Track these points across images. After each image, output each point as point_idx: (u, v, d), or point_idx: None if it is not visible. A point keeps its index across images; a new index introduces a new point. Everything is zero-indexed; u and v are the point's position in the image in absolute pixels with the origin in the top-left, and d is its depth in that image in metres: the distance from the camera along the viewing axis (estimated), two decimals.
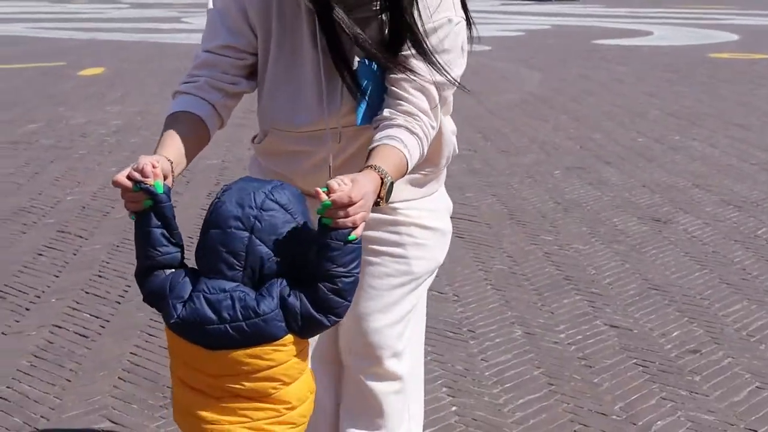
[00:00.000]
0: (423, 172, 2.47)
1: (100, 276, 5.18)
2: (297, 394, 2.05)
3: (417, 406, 2.71)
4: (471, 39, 2.34)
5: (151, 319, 4.54)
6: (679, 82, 14.15)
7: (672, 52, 19.50)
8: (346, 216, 1.94)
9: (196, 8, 37.68)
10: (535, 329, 4.47)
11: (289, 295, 1.97)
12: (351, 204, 1.94)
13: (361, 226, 1.98)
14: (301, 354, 2.05)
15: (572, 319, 4.59)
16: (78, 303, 4.79)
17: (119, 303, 4.78)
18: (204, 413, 2.01)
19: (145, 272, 2.05)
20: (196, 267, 2.05)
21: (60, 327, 4.50)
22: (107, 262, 5.39)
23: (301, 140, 2.35)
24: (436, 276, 2.71)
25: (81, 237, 5.88)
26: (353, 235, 1.96)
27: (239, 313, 1.95)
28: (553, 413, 3.68)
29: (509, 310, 4.68)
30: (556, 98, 12.26)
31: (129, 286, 4.99)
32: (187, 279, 2.01)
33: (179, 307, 1.98)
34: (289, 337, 1.99)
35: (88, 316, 4.63)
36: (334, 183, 1.95)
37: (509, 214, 6.40)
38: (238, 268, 1.97)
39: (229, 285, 1.97)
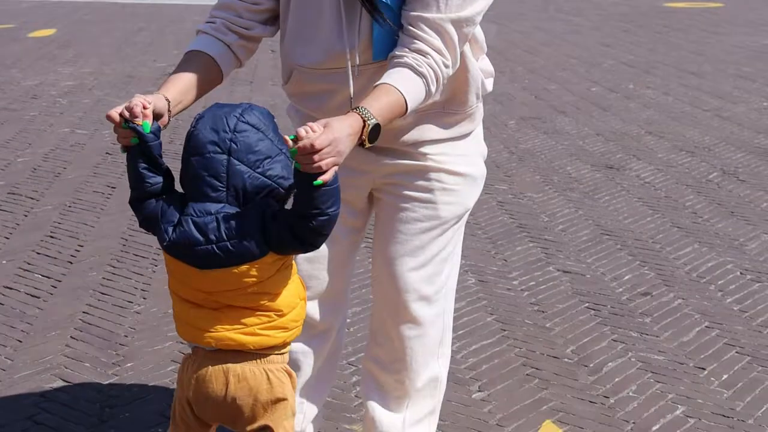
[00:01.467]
0: (451, 111, 2.46)
1: (51, 237, 5.13)
2: (286, 301, 2.18)
3: (445, 348, 2.74)
4: None
5: (103, 278, 4.52)
6: (634, 32, 14.17)
7: (627, 2, 19.51)
8: (311, 162, 1.98)
9: None
10: (488, 277, 4.49)
11: (270, 218, 2.08)
12: (316, 151, 1.97)
13: (332, 170, 2.01)
14: (285, 268, 2.18)
15: (525, 266, 4.62)
16: (29, 264, 4.75)
17: (71, 263, 4.75)
18: (202, 323, 2.17)
19: (137, 201, 2.18)
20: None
21: (11, 288, 4.46)
22: (59, 223, 5.34)
23: (325, 78, 2.38)
24: None
25: (32, 198, 5.82)
26: (319, 180, 2.01)
27: (224, 234, 2.07)
28: (506, 358, 3.71)
29: (463, 259, 4.64)
30: (511, 50, 12.25)
31: (81, 246, 4.95)
32: (176, 204, 2.15)
33: (170, 230, 2.12)
34: (270, 255, 2.11)
35: (40, 276, 4.59)
36: (301, 130, 1.99)
37: None
38: (221, 189, 2.08)
39: (214, 207, 2.09)
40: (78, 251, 4.90)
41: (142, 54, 12.24)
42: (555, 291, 4.31)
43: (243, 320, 2.15)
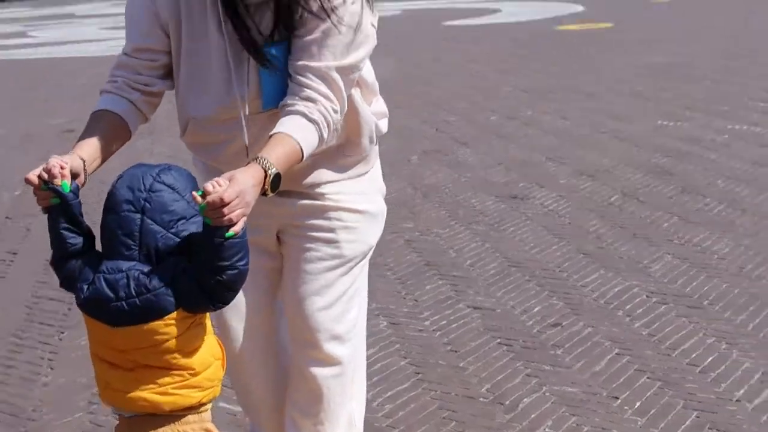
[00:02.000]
0: (346, 154, 2.56)
1: None
2: (199, 360, 2.19)
3: (359, 387, 2.81)
4: (374, 22, 2.44)
5: (8, 350, 4.42)
6: (529, 57, 14.39)
7: (520, 27, 19.82)
8: (221, 215, 2.04)
9: (41, 21, 36.74)
10: (399, 319, 4.49)
11: (181, 273, 2.11)
12: (225, 205, 2.04)
13: (241, 222, 2.08)
14: (196, 326, 2.19)
15: (436, 305, 4.63)
16: None
17: None
18: (119, 383, 2.18)
19: (58, 261, 2.22)
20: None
21: None
22: None
23: (218, 128, 2.45)
24: None
25: None
26: (231, 232, 2.07)
27: (133, 290, 2.10)
28: (422, 402, 3.71)
29: (373, 302, 4.65)
30: (410, 83, 12.33)
31: None
32: (93, 263, 2.18)
33: (85, 288, 2.15)
34: (180, 312, 2.13)
35: None
36: (209, 185, 2.05)
37: None
38: (134, 248, 2.12)
39: (126, 264, 2.12)
40: None
41: (39, 112, 12.05)
42: (467, 329, 4.33)
43: (157, 380, 2.16)
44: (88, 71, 16.51)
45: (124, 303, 2.10)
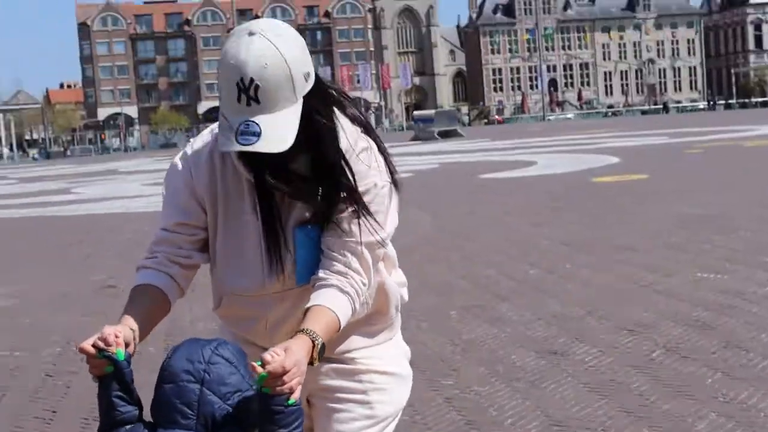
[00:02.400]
0: (373, 323, 2.67)
1: None
2: None
3: None
4: (397, 200, 2.57)
5: None
6: (565, 210, 14.50)
7: (556, 179, 20.03)
8: (282, 384, 2.14)
9: (85, 178, 37.51)
10: None
11: None
12: (285, 373, 2.14)
13: (298, 389, 2.17)
14: None
15: None
16: None
17: None
18: None
19: (107, 429, 2.24)
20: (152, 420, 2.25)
21: None
22: None
23: (253, 303, 2.56)
24: None
25: None
26: (292, 400, 2.16)
27: None
28: None
29: None
30: (447, 238, 12.45)
31: None
32: (146, 431, 2.22)
33: None
34: None
35: None
36: (267, 355, 2.13)
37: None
38: (191, 417, 2.18)
39: None
40: None
41: (81, 268, 12.22)
42: None
43: None
44: (130, 227, 16.79)
45: None
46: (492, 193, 18.09)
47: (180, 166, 2.57)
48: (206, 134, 2.57)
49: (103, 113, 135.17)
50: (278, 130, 2.30)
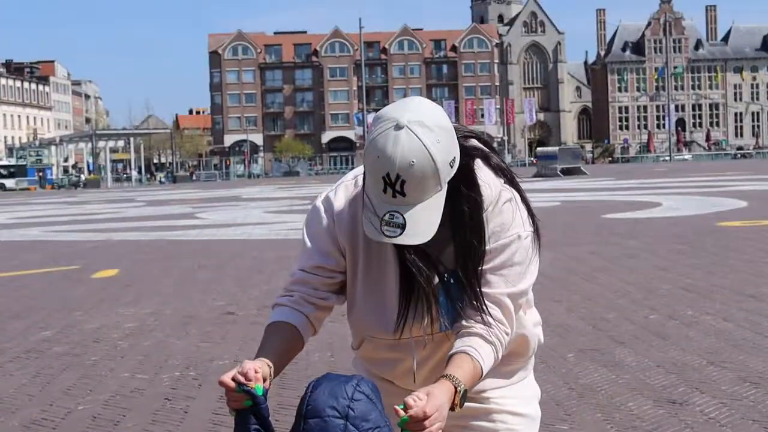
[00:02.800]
0: (509, 363, 2.77)
1: None
2: None
3: None
4: (539, 248, 2.70)
5: None
6: (689, 254, 14.20)
7: (681, 222, 19.64)
8: (423, 429, 2.23)
9: (209, 203, 38.25)
10: None
11: None
12: (426, 417, 2.23)
13: None
14: None
15: None
16: None
17: None
18: None
19: None
20: None
21: None
22: None
23: (394, 347, 2.67)
24: None
25: None
26: None
27: None
28: None
29: None
30: (568, 278, 12.30)
31: None
32: None
33: None
34: None
35: None
36: (410, 400, 2.25)
37: None
38: None
39: None
40: None
41: (201, 293, 12.45)
42: None
43: None
44: (250, 254, 17.05)
45: None
46: (614, 234, 17.82)
47: (322, 210, 2.66)
48: (349, 182, 2.67)
49: (229, 140, 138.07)
50: (422, 224, 2.38)
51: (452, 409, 2.36)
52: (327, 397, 2.28)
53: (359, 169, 2.65)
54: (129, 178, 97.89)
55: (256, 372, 2.34)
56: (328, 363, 7.78)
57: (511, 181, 2.64)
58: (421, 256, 2.52)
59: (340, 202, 2.64)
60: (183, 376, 7.65)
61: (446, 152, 2.36)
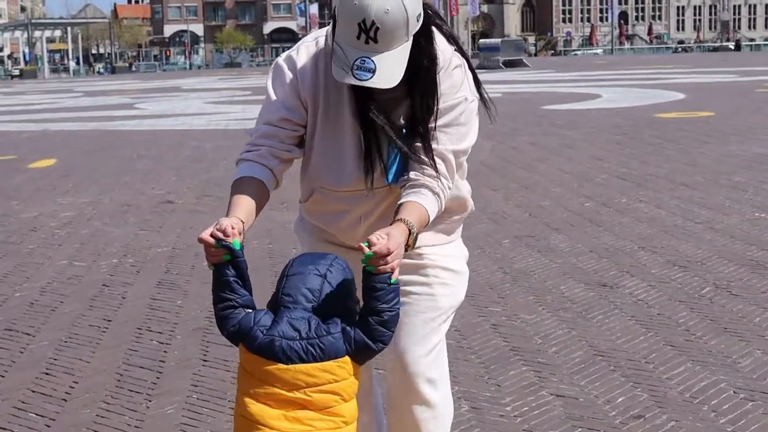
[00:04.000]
0: (447, 222, 2.97)
1: (46, 374, 5.14)
2: (350, 411, 2.48)
3: (449, 421, 3.10)
4: (489, 113, 2.93)
5: (96, 415, 4.52)
6: (626, 144, 14.36)
7: (620, 114, 19.79)
8: (386, 264, 2.44)
9: (148, 94, 37.74)
10: (481, 403, 4.48)
11: (347, 326, 2.46)
12: (389, 253, 2.43)
13: (398, 270, 2.48)
14: (356, 376, 2.49)
15: (518, 391, 4.61)
16: (23, 403, 4.75)
17: (65, 401, 4.75)
18: (273, 422, 2.41)
19: (224, 313, 2.51)
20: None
21: (4, 429, 4.45)
22: (54, 359, 5.35)
23: (342, 199, 2.84)
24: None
25: (28, 335, 5.84)
26: (393, 279, 2.46)
27: (314, 332, 2.42)
28: None
29: (456, 385, 4.67)
30: (506, 167, 12.40)
31: (76, 382, 4.96)
32: (267, 313, 2.48)
33: (263, 330, 2.44)
34: (347, 358, 2.45)
35: (34, 415, 4.59)
36: (374, 238, 2.44)
37: None
38: (313, 300, 2.46)
39: (306, 314, 2.45)
40: (72, 388, 4.91)
41: (140, 182, 12.38)
42: (548, 416, 4.30)
43: (313, 422, 2.41)
44: (190, 144, 16.94)
45: (306, 342, 2.41)
46: (554, 125, 17.94)
47: (286, 67, 2.81)
48: (310, 42, 2.83)
49: (169, 30, 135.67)
50: (390, 68, 2.55)
51: (405, 249, 2.55)
52: (308, 262, 2.53)
53: (319, 32, 2.83)
54: (67, 69, 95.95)
55: (232, 228, 2.47)
56: (267, 250, 7.83)
57: (461, 50, 2.82)
58: (379, 110, 2.70)
59: (303, 59, 2.80)
60: (121, 263, 7.66)
61: (416, 6, 2.56)
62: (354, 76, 2.55)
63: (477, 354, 5.16)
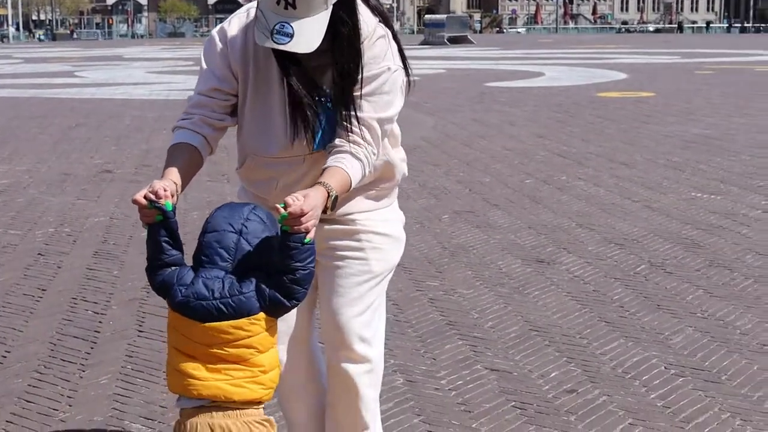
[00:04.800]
0: (377, 188, 3.05)
1: None
2: (268, 360, 2.62)
3: (381, 378, 3.26)
4: (409, 83, 2.95)
5: (28, 385, 4.47)
6: (568, 123, 14.46)
7: (562, 92, 19.92)
8: (300, 224, 2.53)
9: (89, 62, 37.24)
10: (416, 376, 4.51)
11: (261, 284, 2.56)
12: (303, 214, 2.52)
13: (313, 230, 2.56)
14: (271, 330, 2.62)
15: (454, 365, 4.64)
16: None
17: None
18: (196, 373, 2.57)
19: (154, 270, 2.65)
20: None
21: None
22: None
23: (273, 165, 2.93)
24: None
25: None
26: (308, 239, 2.55)
27: (227, 291, 2.54)
28: None
29: (392, 358, 4.70)
30: (448, 143, 12.44)
31: (8, 351, 4.90)
32: (190, 271, 2.61)
33: (182, 289, 2.57)
34: (262, 315, 2.57)
35: None
36: (289, 199, 2.51)
37: None
38: (228, 260, 2.57)
39: (221, 273, 2.57)
40: (5, 357, 4.85)
41: (79, 151, 12.23)
42: (482, 390, 4.34)
43: (232, 373, 2.57)
44: (130, 113, 16.76)
45: (218, 302, 2.53)
46: (497, 102, 18.01)
47: (218, 39, 2.91)
48: (242, 14, 2.92)
49: None
50: (308, 34, 2.65)
51: (324, 211, 2.64)
52: (224, 217, 2.62)
53: (252, 3, 2.89)
54: (6, 35, 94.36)
55: (165, 190, 2.58)
56: None
57: (385, 21, 2.90)
58: (303, 80, 2.78)
59: (233, 30, 2.90)
60: (57, 232, 7.57)
61: None
62: (273, 41, 2.65)
63: (414, 328, 5.18)
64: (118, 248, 7.02)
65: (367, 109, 2.83)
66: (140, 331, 5.17)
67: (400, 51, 2.94)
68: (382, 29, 2.88)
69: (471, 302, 5.61)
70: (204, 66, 2.94)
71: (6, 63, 39.07)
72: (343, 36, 2.77)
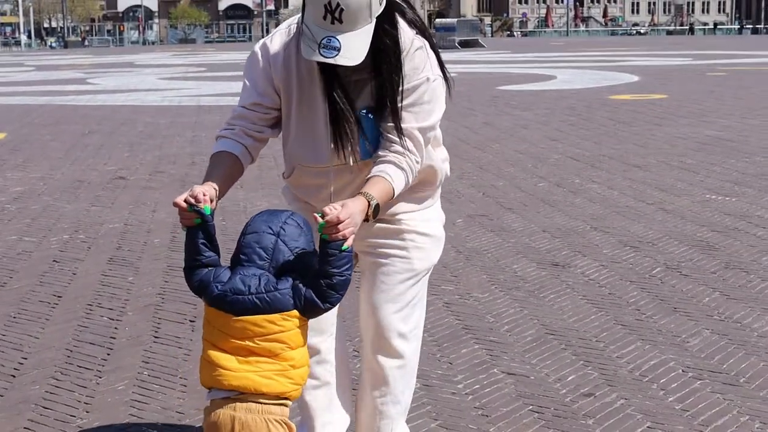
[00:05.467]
0: (421, 191, 3.20)
1: None
2: (298, 356, 2.74)
3: (414, 378, 3.47)
4: (449, 91, 3.09)
5: (46, 392, 4.47)
6: (580, 125, 14.44)
7: (574, 95, 19.90)
8: (337, 232, 2.67)
9: (101, 69, 37.34)
10: (433, 381, 4.50)
11: (298, 284, 2.70)
12: (340, 222, 2.66)
13: (351, 238, 2.70)
14: (302, 329, 2.75)
15: (470, 369, 4.63)
16: None
17: (13, 377, 4.70)
18: (228, 364, 2.71)
19: (191, 270, 2.81)
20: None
21: None
22: (3, 335, 5.29)
23: (321, 174, 3.08)
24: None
25: None
26: (345, 246, 2.68)
27: (263, 287, 2.67)
28: None
29: None
30: (460, 146, 12.42)
31: (25, 358, 4.91)
32: (227, 270, 2.76)
33: (219, 286, 2.71)
34: (295, 312, 2.70)
35: None
36: (326, 208, 2.67)
37: None
38: (266, 259, 2.71)
39: (258, 271, 2.71)
40: (21, 364, 4.85)
41: (92, 158, 12.26)
42: (499, 394, 4.32)
43: (261, 365, 2.69)
44: (143, 120, 16.80)
45: (254, 297, 2.66)
46: (509, 105, 18.00)
47: (260, 55, 3.05)
48: (283, 31, 3.05)
49: (122, 4, 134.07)
50: (354, 47, 2.77)
51: (366, 219, 2.79)
52: (264, 220, 2.77)
53: (291, 20, 3.05)
54: (18, 43, 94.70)
55: (204, 195, 2.75)
56: (221, 228, 7.78)
57: (423, 33, 3.02)
58: (345, 93, 2.93)
59: (276, 47, 3.03)
60: (72, 239, 7.59)
61: None
62: (320, 54, 2.77)
63: (429, 332, 5.17)
64: (132, 254, 7.03)
65: (409, 120, 2.96)
66: (156, 337, 5.18)
67: (439, 60, 3.05)
68: (420, 41, 2.99)
69: (486, 306, 5.60)
70: (246, 81, 3.09)
71: (18, 70, 39.20)
72: (384, 49, 2.89)
